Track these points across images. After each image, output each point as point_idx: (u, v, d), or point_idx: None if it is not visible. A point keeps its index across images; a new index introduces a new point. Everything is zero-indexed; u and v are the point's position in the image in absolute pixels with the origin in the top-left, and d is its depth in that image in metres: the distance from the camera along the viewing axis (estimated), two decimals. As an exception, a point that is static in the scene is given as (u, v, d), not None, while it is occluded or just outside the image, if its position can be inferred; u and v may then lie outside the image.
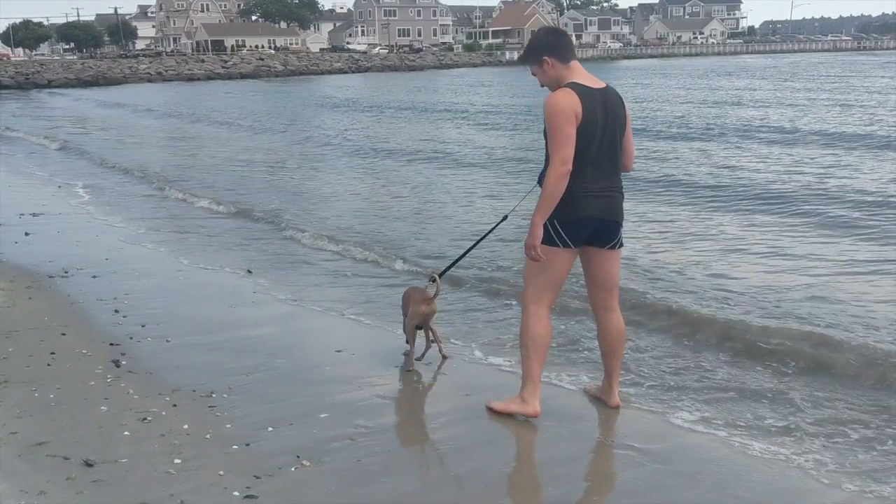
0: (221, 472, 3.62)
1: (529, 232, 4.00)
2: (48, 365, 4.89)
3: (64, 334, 5.50)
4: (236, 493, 3.44)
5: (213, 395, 4.58)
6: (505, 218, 4.95)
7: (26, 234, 8.98)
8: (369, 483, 3.61)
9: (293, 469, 3.71)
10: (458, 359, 5.33)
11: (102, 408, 4.29)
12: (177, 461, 3.71)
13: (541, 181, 4.67)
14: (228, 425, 4.18)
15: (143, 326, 5.80)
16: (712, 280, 7.12)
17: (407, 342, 5.18)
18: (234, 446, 3.91)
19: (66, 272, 7.24)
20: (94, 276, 7.15)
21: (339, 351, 5.45)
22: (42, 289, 6.68)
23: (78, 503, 3.28)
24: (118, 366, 4.96)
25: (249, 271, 7.68)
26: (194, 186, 13.09)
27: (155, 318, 6.01)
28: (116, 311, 6.13)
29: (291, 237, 9.35)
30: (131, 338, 5.53)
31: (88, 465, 3.61)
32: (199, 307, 6.48)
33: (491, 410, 4.37)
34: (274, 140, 20.80)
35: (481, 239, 5.34)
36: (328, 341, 5.65)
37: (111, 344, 5.35)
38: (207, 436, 4.02)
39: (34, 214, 10.24)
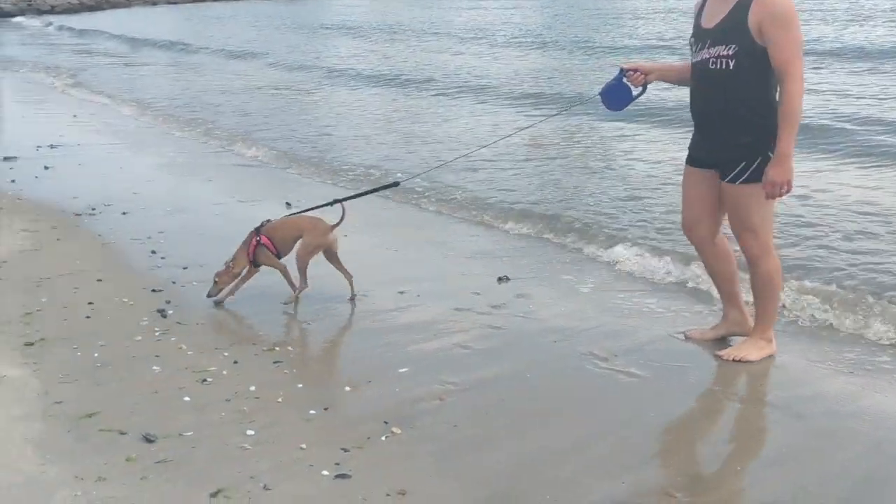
0: (304, 446, 3.12)
1: (780, 165, 3.47)
2: (87, 318, 4.37)
3: (100, 280, 4.97)
4: (325, 472, 2.94)
5: (277, 349, 4.07)
6: (396, 184, 5.14)
7: (45, 167, 8.39)
8: (474, 453, 3.11)
9: (383, 438, 3.21)
10: (536, 302, 4.80)
11: (155, 368, 3.79)
12: (249, 432, 3.22)
13: (605, 96, 4.10)
14: (300, 385, 3.67)
15: (184, 269, 5.26)
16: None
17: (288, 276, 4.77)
18: (312, 411, 3.41)
19: (93, 209, 6.69)
20: (124, 213, 6.60)
21: (401, 292, 4.92)
22: (69, 228, 6.14)
23: (143, 491, 2.79)
24: (164, 316, 4.44)
25: (288, 204, 7.11)
26: (211, 119, 12.40)
27: (196, 259, 5.46)
28: (154, 252, 5.59)
29: (328, 174, 8.77)
30: (174, 282, 5.00)
31: (149, 440, 3.12)
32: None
33: (738, 361, 3.88)
34: (289, 69, 19.79)
35: (367, 193, 5.14)
36: (388, 282, 5.11)
37: (153, 290, 4.83)
38: (279, 399, 3.51)
39: (52, 146, 9.63)
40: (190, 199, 7.19)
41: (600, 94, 4.12)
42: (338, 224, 4.70)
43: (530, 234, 6.29)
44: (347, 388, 3.64)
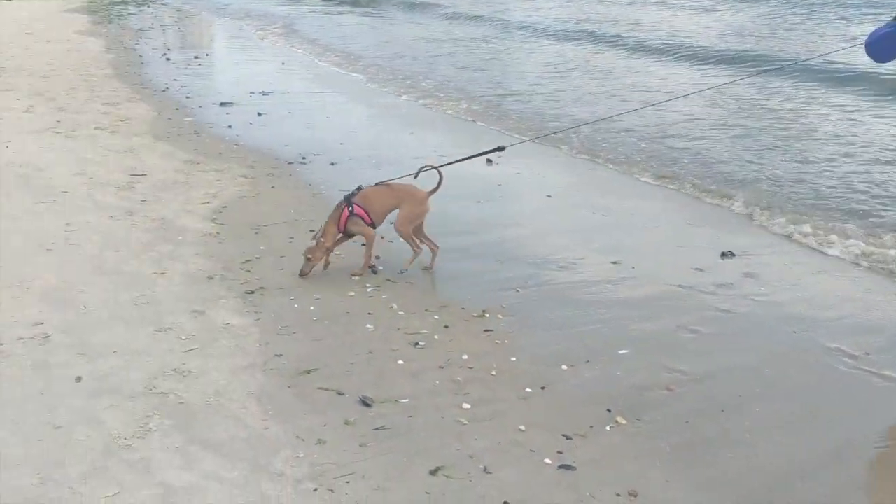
0: (522, 427, 2.93)
1: None
2: (302, 268, 4.40)
3: (312, 230, 5.01)
4: (548, 461, 2.74)
5: (487, 316, 3.90)
6: (502, 149, 4.58)
7: (259, 114, 8.71)
8: (711, 457, 2.79)
9: (608, 428, 2.96)
10: (767, 284, 4.34)
11: (368, 326, 3.73)
12: (465, 405, 3.07)
13: (874, 45, 3.57)
14: (513, 358, 3.49)
15: (391, 223, 5.23)
16: None
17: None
18: (528, 389, 3.22)
19: (303, 158, 6.83)
20: (332, 164, 6.68)
21: (614, 262, 4.62)
22: (283, 176, 6.28)
23: (363, 459, 2.71)
24: (375, 272, 4.41)
25: (489, 161, 6.95)
26: (416, 71, 12.42)
27: (402, 214, 5.44)
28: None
29: (529, 131, 8.49)
30: (382, 237, 4.94)
31: (366, 404, 3.05)
32: (443, 203, 5.83)
33: None
34: (478, 21, 19.47)
35: (465, 159, 4.70)
36: (599, 249, 4.82)
37: (363, 244, 4.80)
38: (493, 372, 3.35)
39: (263, 93, 10.00)
40: (393, 152, 7.17)
41: (868, 43, 3.61)
42: (434, 190, 4.40)
43: (750, 208, 5.70)
44: (564, 367, 3.41)
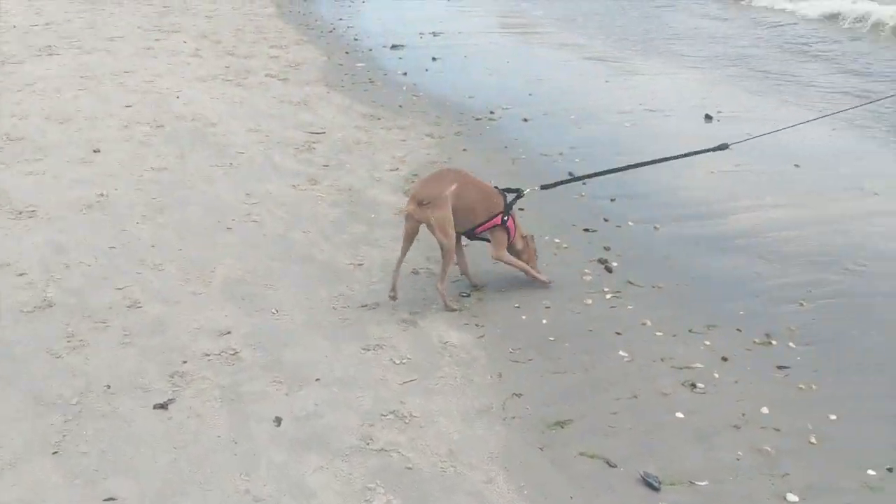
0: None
1: None
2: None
3: (521, 209, 4.21)
4: None
5: (773, 343, 2.99)
6: (725, 146, 3.42)
7: (433, 58, 7.93)
8: None
9: None
10: None
11: (622, 353, 2.90)
12: (791, 497, 2.21)
13: None
14: (832, 416, 2.57)
15: (612, 201, 4.36)
16: None
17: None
18: (871, 471, 2.30)
19: (492, 113, 6.02)
20: (525, 120, 5.83)
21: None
22: (473, 136, 5.48)
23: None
24: (609, 270, 3.55)
25: (708, 116, 5.90)
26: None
27: (622, 189, 4.52)
28: (572, 174, 4.75)
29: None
30: (606, 220, 4.11)
31: (651, 486, 2.24)
32: (668, 172, 4.87)
33: None
34: None
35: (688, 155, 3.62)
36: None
37: (585, 230, 3.97)
38: (812, 439, 2.45)
39: (434, 34, 9.21)
40: (591, 104, 6.23)
41: None
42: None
43: None
44: (918, 438, 2.48)
